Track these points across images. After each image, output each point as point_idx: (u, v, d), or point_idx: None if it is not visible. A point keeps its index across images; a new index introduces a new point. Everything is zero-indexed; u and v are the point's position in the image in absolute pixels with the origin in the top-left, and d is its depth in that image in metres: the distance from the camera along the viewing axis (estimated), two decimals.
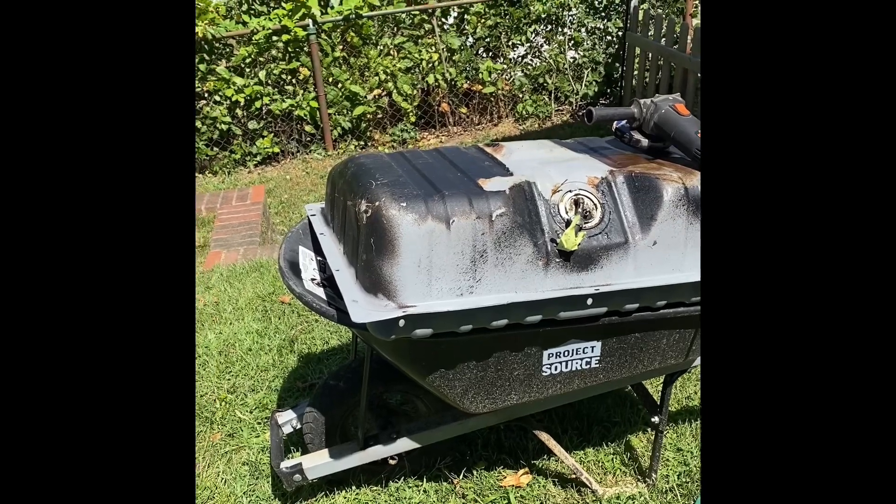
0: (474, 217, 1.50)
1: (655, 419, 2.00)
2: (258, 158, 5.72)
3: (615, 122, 1.82)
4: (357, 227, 1.55)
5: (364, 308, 1.46)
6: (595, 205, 1.60)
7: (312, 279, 1.79)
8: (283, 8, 5.52)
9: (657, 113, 1.70)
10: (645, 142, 1.76)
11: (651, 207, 1.60)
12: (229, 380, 2.59)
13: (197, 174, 5.62)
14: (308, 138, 5.85)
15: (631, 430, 2.25)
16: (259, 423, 2.37)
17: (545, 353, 1.70)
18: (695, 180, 1.63)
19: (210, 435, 2.33)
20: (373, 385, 1.94)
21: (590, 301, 1.57)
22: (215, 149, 5.62)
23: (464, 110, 6.01)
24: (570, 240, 1.53)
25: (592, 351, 1.73)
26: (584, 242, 1.56)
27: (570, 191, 1.60)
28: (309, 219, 1.94)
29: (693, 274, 1.64)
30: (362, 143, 5.91)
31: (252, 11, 5.75)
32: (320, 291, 1.73)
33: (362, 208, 1.52)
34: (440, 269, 1.49)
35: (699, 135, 1.63)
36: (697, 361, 1.98)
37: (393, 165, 1.68)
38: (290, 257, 1.83)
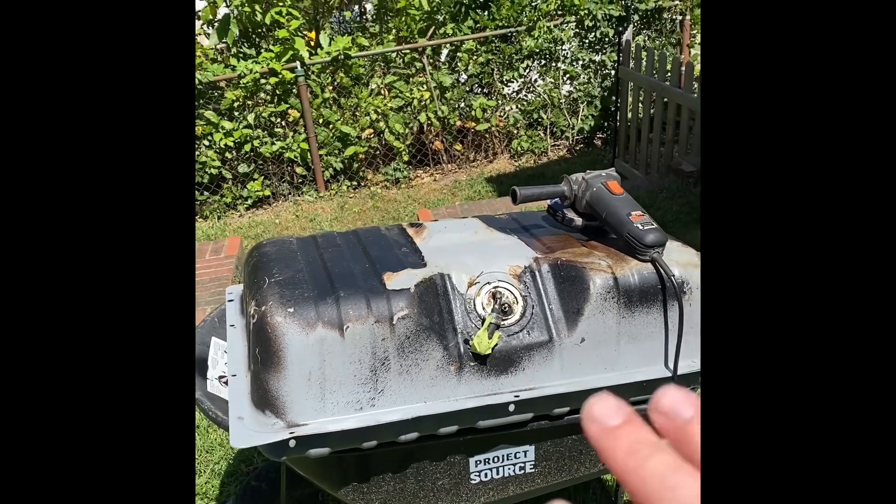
0: (372, 321, 1.34)
1: None
2: (249, 202, 5.64)
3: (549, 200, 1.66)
4: (249, 331, 1.41)
5: (246, 429, 1.30)
6: (516, 299, 1.43)
7: (221, 377, 1.64)
8: (272, 51, 5.46)
9: (588, 191, 1.54)
10: (579, 221, 1.60)
11: (577, 300, 1.43)
12: None
13: None
14: (300, 180, 5.75)
15: None
16: None
17: (472, 461, 1.53)
18: (626, 269, 1.45)
19: None
20: (303, 484, 1.78)
21: (511, 408, 1.40)
22: (205, 193, 5.55)
23: (458, 147, 5.88)
24: (483, 343, 1.36)
25: (525, 455, 1.56)
26: (502, 343, 1.39)
27: (489, 283, 1.44)
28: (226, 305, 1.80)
29: (629, 373, 1.46)
30: (355, 183, 5.81)
31: (241, 55, 5.69)
32: (227, 392, 1.58)
33: (251, 311, 1.38)
34: (335, 381, 1.33)
35: (631, 217, 1.46)
36: None
37: (297, 256, 1.54)
38: (199, 353, 1.69)
